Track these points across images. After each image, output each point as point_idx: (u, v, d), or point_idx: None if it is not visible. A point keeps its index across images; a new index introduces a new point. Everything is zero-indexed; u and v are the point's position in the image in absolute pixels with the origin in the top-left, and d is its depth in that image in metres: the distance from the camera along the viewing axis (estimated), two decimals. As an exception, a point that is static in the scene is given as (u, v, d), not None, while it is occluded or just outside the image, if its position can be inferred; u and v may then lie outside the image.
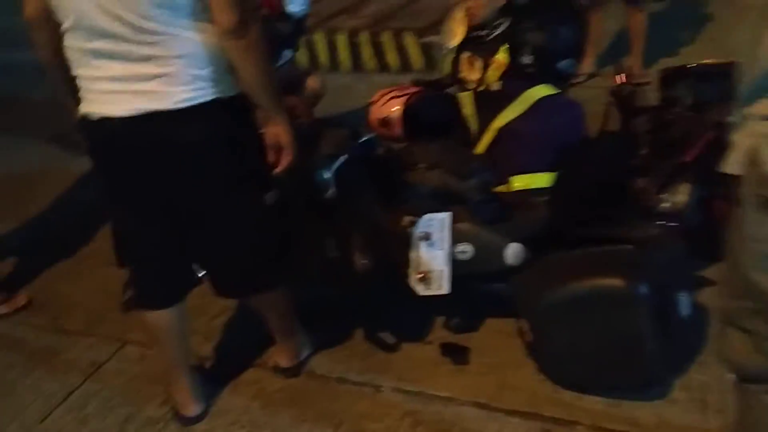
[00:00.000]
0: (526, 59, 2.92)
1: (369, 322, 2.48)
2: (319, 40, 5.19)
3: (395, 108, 3.05)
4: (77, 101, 1.84)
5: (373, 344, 2.42)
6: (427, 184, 2.50)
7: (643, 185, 2.77)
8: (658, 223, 2.51)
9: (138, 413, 2.29)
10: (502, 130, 2.75)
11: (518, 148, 2.70)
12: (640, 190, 2.66)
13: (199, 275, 2.13)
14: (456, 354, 2.34)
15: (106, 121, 1.78)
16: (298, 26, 3.59)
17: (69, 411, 2.34)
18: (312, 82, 3.73)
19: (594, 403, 2.08)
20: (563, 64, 2.97)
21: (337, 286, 2.33)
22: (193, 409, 2.20)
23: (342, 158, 2.40)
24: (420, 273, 2.19)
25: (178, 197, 1.89)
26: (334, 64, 5.21)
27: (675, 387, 2.11)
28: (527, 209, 2.43)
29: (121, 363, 2.51)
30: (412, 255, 2.20)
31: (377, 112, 3.09)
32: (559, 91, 2.83)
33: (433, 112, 3.06)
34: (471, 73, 3.01)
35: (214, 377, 2.36)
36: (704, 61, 3.12)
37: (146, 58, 1.72)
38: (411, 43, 4.96)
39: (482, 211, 2.38)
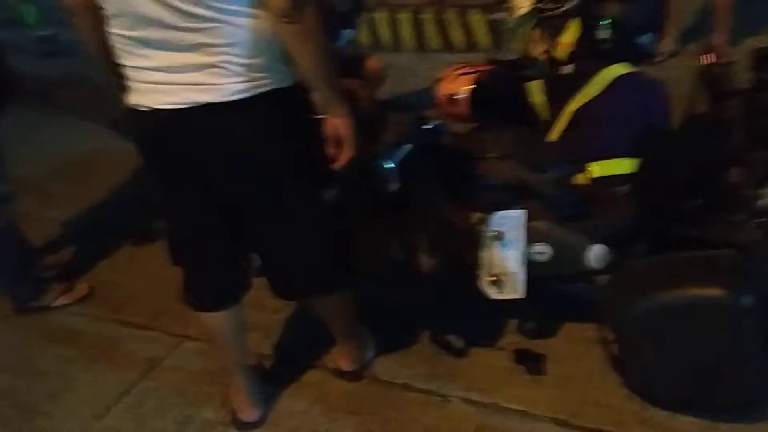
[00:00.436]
0: (602, 33, 2.70)
1: (436, 324, 2.32)
2: (382, 18, 5.00)
3: (464, 86, 2.88)
4: (124, 91, 1.73)
5: (440, 348, 2.27)
6: (499, 176, 2.32)
7: (740, 178, 2.54)
8: (758, 220, 2.29)
9: (196, 415, 2.20)
10: (578, 113, 2.55)
11: (596, 132, 2.50)
12: (736, 184, 2.42)
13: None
14: (531, 362, 2.17)
15: (155, 114, 1.66)
16: (358, 3, 3.42)
17: (127, 409, 2.28)
18: (373, 64, 3.55)
19: (687, 424, 1.89)
20: (642, 39, 2.73)
21: (402, 289, 2.17)
22: (250, 414, 2.10)
23: (406, 148, 2.23)
24: (492, 275, 2.02)
25: (231, 194, 1.77)
26: (396, 44, 5.03)
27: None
28: (610, 204, 2.23)
29: (181, 359, 2.43)
30: (484, 255, 2.03)
31: (445, 88, 2.91)
32: (638, 69, 2.60)
33: (504, 94, 2.86)
34: (540, 51, 2.81)
35: (273, 377, 2.25)
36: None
37: (195, 47, 1.59)
38: (477, 20, 4.73)
39: (560, 207, 2.20)
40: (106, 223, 3.32)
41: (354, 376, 2.20)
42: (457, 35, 4.84)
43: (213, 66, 1.60)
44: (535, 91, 2.71)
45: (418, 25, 4.95)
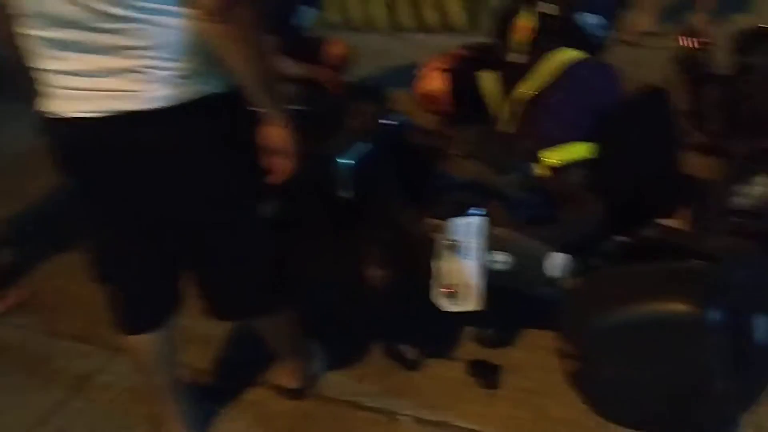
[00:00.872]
0: (548, 9, 2.55)
1: (389, 334, 2.17)
2: (352, -5, 4.80)
3: (440, 82, 2.72)
4: (38, 96, 1.55)
5: (392, 361, 2.12)
6: (462, 177, 2.16)
7: (719, 172, 2.40)
8: (732, 221, 2.15)
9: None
10: (530, 103, 2.42)
11: (549, 121, 2.38)
12: (711, 183, 2.28)
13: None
14: (486, 374, 2.04)
15: (72, 123, 1.48)
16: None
17: (53, 433, 2.11)
18: (335, 49, 3.37)
19: (649, 445, 1.75)
20: (589, 20, 2.55)
21: (352, 304, 2.02)
22: (185, 438, 1.94)
23: (364, 147, 2.07)
24: (447, 287, 1.86)
25: (158, 209, 1.60)
26: (368, 23, 4.82)
27: (745, 427, 1.77)
28: (576, 205, 2.08)
29: (113, 375, 2.26)
30: (438, 265, 1.87)
31: (421, 86, 2.77)
32: (589, 55, 2.46)
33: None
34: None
35: (211, 395, 2.10)
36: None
37: (114, 50, 1.41)
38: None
39: (524, 209, 2.04)
40: (43, 226, 3.08)
41: (298, 393, 2.05)
42: (431, 15, 4.64)
43: (133, 71, 1.42)
44: (488, 82, 2.57)
45: (390, 4, 4.75)
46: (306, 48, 3.30)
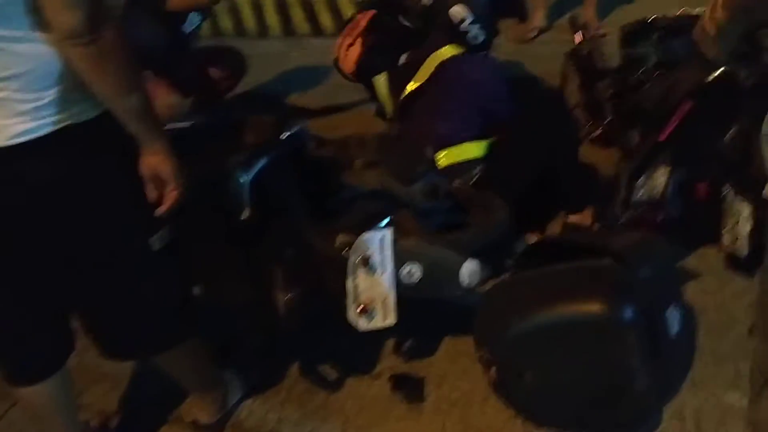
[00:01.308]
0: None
1: (306, 355, 2.11)
2: (244, 3, 4.67)
3: (352, 63, 2.73)
4: None
5: (312, 382, 2.05)
6: (364, 187, 2.12)
7: (614, 170, 2.45)
8: (634, 213, 2.20)
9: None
10: (405, 101, 2.43)
11: (432, 120, 2.38)
12: (613, 177, 2.32)
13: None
14: (410, 388, 1.99)
15: None
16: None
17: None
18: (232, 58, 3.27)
19: (576, 447, 1.76)
20: (469, 27, 2.58)
21: (263, 328, 1.93)
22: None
23: (262, 161, 1.99)
24: (360, 305, 1.81)
25: (34, 249, 1.45)
26: (262, 29, 4.71)
27: (666, 416, 1.82)
28: (484, 211, 2.07)
29: (8, 425, 2.07)
30: (350, 284, 1.81)
31: (345, 65, 2.78)
32: (466, 50, 2.51)
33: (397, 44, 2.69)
34: None
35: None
36: (671, 14, 2.78)
37: None
38: (345, 3, 4.49)
39: (432, 219, 2.01)
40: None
41: (214, 428, 1.94)
42: (326, 18, 4.58)
43: None
44: (381, 86, 2.56)
45: (284, 9, 4.65)
46: (199, 58, 3.18)
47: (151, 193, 1.47)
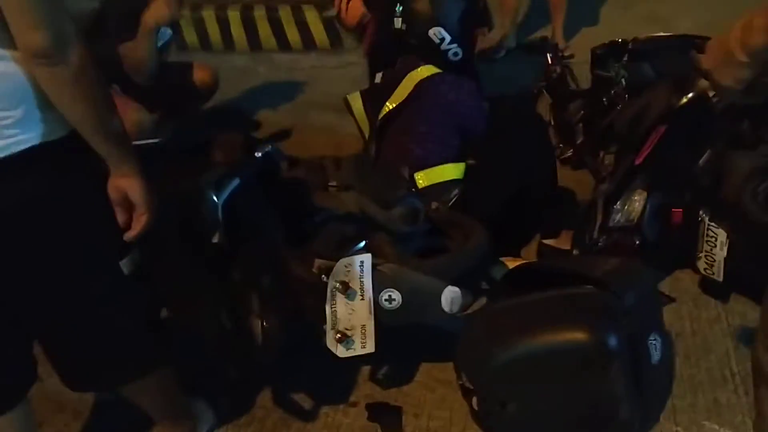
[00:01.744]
0: (396, 23, 2.57)
1: (279, 383, 2.04)
2: (209, 17, 4.59)
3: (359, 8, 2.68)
4: None
5: (286, 412, 1.98)
6: (340, 210, 2.07)
7: (589, 192, 2.45)
8: (612, 238, 2.19)
9: None
10: (383, 122, 2.41)
11: (410, 141, 2.36)
12: (590, 201, 2.31)
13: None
14: (388, 418, 1.94)
15: None
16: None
17: None
18: (202, 75, 3.19)
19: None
20: (441, 36, 2.57)
21: (236, 359, 1.85)
22: None
23: (234, 182, 1.92)
24: (339, 332, 1.76)
25: None
26: (228, 44, 4.63)
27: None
28: (462, 236, 2.04)
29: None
30: (328, 310, 1.76)
31: (346, 22, 2.75)
32: (442, 70, 2.49)
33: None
34: None
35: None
36: (641, 36, 2.81)
37: None
38: (312, 18, 4.44)
39: (410, 244, 1.97)
40: None
41: (184, 461, 1.86)
42: (292, 34, 4.52)
43: None
44: (354, 104, 2.52)
45: (249, 24, 4.58)
46: (171, 73, 3.10)
47: (120, 217, 1.40)
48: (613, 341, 1.62)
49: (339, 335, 1.75)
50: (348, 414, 1.97)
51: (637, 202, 2.19)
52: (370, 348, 1.77)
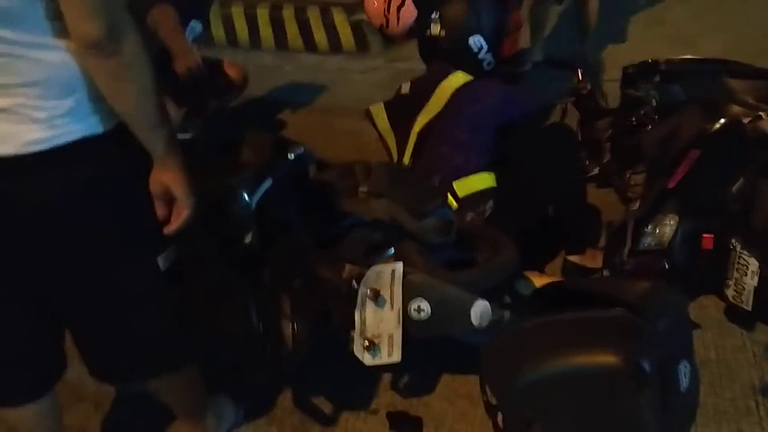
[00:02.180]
0: (433, 29, 2.55)
1: (302, 386, 2.03)
2: (237, 14, 4.61)
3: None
4: None
5: (306, 415, 1.97)
6: (368, 216, 2.05)
7: (619, 213, 2.43)
8: (641, 261, 2.17)
9: None
10: (422, 134, 2.39)
11: (447, 151, 2.36)
12: (620, 223, 2.30)
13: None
14: (407, 427, 1.93)
15: None
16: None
17: None
18: (232, 72, 3.19)
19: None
20: (478, 49, 2.57)
21: (261, 357, 1.85)
22: None
23: (267, 183, 1.92)
24: (367, 339, 1.75)
25: (36, 269, 1.37)
26: (254, 42, 4.65)
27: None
28: (491, 249, 2.03)
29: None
30: (357, 316, 1.75)
31: (396, 32, 2.81)
32: (474, 77, 2.50)
33: None
34: None
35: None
36: (673, 57, 2.79)
37: None
38: (340, 20, 4.45)
39: (439, 254, 1.96)
40: None
41: (201, 458, 1.85)
42: (319, 35, 4.53)
43: (5, 110, 1.22)
44: (378, 117, 2.51)
45: (277, 23, 4.59)
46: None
47: (160, 210, 1.40)
48: (646, 366, 1.60)
49: (367, 342, 1.74)
50: (368, 421, 1.96)
51: (669, 226, 2.17)
52: (397, 357, 1.76)
